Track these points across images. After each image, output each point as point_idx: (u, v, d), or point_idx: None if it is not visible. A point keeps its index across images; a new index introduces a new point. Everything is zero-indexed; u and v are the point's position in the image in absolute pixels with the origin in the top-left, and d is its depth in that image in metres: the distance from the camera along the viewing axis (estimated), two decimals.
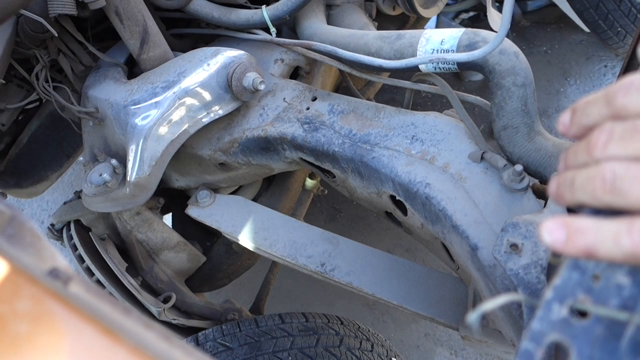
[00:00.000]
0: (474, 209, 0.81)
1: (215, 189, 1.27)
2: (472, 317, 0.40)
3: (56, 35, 0.98)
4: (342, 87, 1.46)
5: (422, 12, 1.39)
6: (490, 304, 0.39)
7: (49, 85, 1.11)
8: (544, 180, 0.84)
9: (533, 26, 2.71)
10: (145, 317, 0.30)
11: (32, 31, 0.99)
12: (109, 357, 0.28)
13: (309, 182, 1.44)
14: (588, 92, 2.41)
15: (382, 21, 1.45)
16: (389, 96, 2.34)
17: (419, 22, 1.66)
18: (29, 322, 0.28)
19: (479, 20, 2.72)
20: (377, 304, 2.04)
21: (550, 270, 0.67)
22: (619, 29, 2.11)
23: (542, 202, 0.81)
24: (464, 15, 2.77)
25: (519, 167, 0.78)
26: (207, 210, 1.21)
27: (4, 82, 1.01)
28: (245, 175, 1.22)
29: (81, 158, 1.14)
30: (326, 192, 1.51)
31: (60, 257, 0.37)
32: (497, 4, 2.66)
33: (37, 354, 0.28)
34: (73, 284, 0.33)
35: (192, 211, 1.21)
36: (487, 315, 0.90)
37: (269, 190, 1.42)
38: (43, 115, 1.53)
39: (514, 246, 0.69)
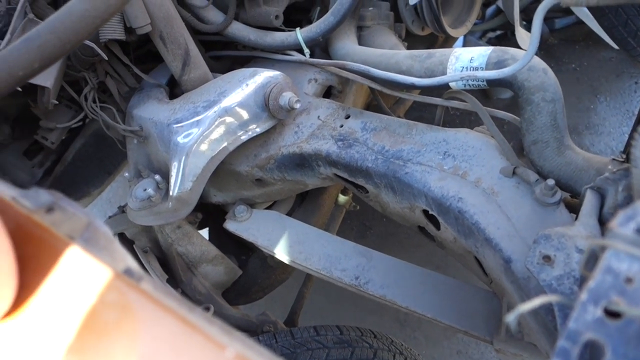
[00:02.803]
0: (506, 222, 0.83)
1: (251, 204, 1.31)
2: (510, 318, 0.43)
3: (106, 58, 1.05)
4: (373, 105, 1.50)
5: (451, 32, 1.43)
6: (528, 305, 0.41)
7: (97, 106, 1.18)
8: (575, 194, 0.86)
9: (561, 44, 2.71)
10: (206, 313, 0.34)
11: (83, 55, 1.06)
12: (184, 342, 0.32)
13: (342, 198, 1.48)
14: (618, 109, 2.40)
15: (411, 41, 1.49)
16: (418, 114, 2.37)
17: (447, 42, 1.70)
18: (116, 311, 0.32)
19: (506, 39, 2.74)
20: (408, 320, 2.05)
21: (582, 280, 0.69)
22: None
23: (574, 215, 0.82)
24: (491, 34, 2.80)
25: (551, 182, 0.80)
26: (244, 225, 1.25)
27: (57, 102, 1.07)
28: (280, 191, 1.27)
29: (126, 174, 1.20)
30: (358, 207, 1.54)
31: (130, 258, 0.41)
32: (525, 23, 2.69)
33: (124, 337, 0.31)
34: (144, 281, 0.37)
35: (230, 225, 1.26)
36: (522, 328, 0.91)
37: (303, 205, 1.46)
38: (87, 134, 1.60)
39: (546, 258, 0.71)
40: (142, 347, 0.31)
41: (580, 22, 2.35)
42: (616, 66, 2.52)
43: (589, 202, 0.77)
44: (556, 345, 0.36)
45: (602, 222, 0.75)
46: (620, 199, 0.70)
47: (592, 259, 0.65)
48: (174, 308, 0.34)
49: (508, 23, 2.58)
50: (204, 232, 1.57)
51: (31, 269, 0.35)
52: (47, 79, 0.93)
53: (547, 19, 2.67)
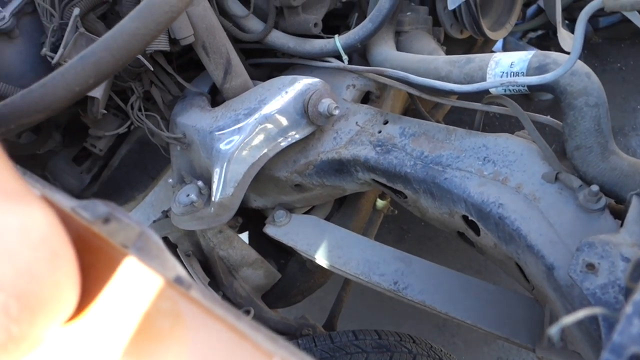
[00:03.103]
0: (549, 229, 0.82)
1: (290, 209, 1.33)
2: (553, 330, 0.43)
3: (152, 69, 1.08)
4: (411, 109, 1.49)
5: (490, 34, 1.41)
6: (571, 318, 0.41)
7: (142, 114, 1.22)
8: (620, 200, 0.84)
9: (606, 43, 2.63)
10: (253, 321, 0.35)
11: (130, 66, 1.10)
12: (233, 349, 0.33)
13: (380, 203, 1.48)
14: None
15: (450, 45, 1.48)
16: (457, 117, 2.35)
17: (487, 45, 1.68)
18: (169, 319, 0.34)
19: (547, 39, 2.68)
20: (447, 326, 2.03)
21: (628, 291, 0.67)
22: None
23: (619, 222, 0.80)
24: (532, 35, 2.74)
25: (595, 188, 0.79)
26: (283, 229, 1.27)
27: (105, 111, 1.12)
28: (319, 196, 1.28)
29: (170, 180, 1.24)
30: (396, 212, 1.54)
31: (180, 267, 0.43)
32: (567, 22, 2.63)
33: (177, 344, 0.33)
34: (193, 289, 0.39)
35: (270, 230, 1.28)
36: (566, 337, 0.90)
37: (341, 210, 1.47)
38: (132, 140, 1.66)
39: (590, 266, 0.69)
40: (194, 353, 0.32)
41: (626, 20, 2.28)
42: None
43: (635, 208, 0.75)
44: (600, 358, 0.36)
45: None
46: None
47: (638, 268, 0.64)
48: (222, 316, 0.35)
49: (549, 23, 2.52)
50: (244, 236, 1.60)
51: (91, 277, 0.37)
52: (97, 90, 0.97)
53: (591, 18, 2.58)
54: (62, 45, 0.99)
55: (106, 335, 0.36)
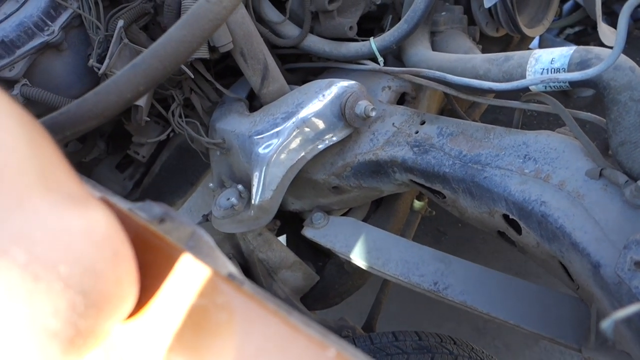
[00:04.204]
0: (594, 226, 0.81)
1: (327, 211, 1.34)
2: (605, 324, 0.43)
3: (192, 77, 1.11)
4: (447, 109, 1.49)
5: (527, 31, 1.39)
6: (624, 312, 0.41)
7: (183, 121, 1.26)
8: None
9: None
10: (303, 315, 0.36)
11: (172, 74, 1.13)
12: (289, 341, 0.34)
13: (417, 204, 1.48)
14: None
15: (486, 43, 1.47)
16: (493, 117, 2.32)
17: (523, 42, 1.66)
18: (226, 312, 0.35)
19: (585, 34, 2.62)
20: (487, 328, 2.00)
21: None
22: None
23: None
24: (569, 31, 2.69)
25: None
26: (321, 231, 1.28)
27: (148, 119, 1.16)
28: (356, 198, 1.29)
29: (210, 184, 1.27)
30: (434, 213, 1.53)
31: (231, 265, 0.44)
32: (605, 16, 2.56)
33: (235, 336, 0.35)
34: (246, 285, 0.40)
35: (308, 232, 1.29)
36: (614, 336, 0.88)
37: (378, 211, 1.47)
38: (171, 147, 1.70)
39: (638, 264, 0.68)
40: (253, 345, 0.34)
41: None
42: None
43: None
44: None
45: None
46: None
47: None
48: (275, 310, 0.36)
49: (587, 18, 2.47)
50: (282, 239, 1.62)
51: (149, 274, 0.39)
52: (141, 98, 1.00)
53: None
54: (108, 56, 1.03)
55: (166, 329, 0.37)
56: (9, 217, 0.30)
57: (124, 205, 0.45)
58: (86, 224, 0.35)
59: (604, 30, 1.24)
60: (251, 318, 0.36)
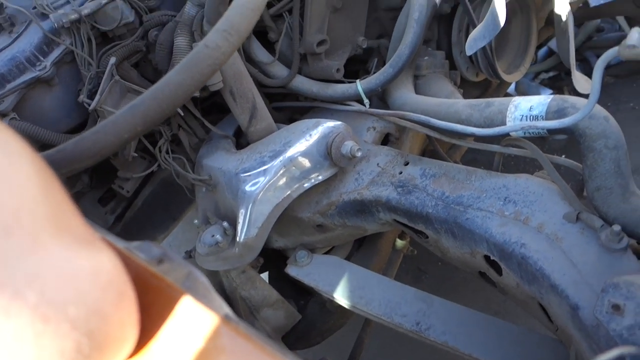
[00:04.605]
0: (572, 268, 0.83)
1: (311, 249, 1.35)
2: None
3: (182, 114, 1.13)
4: (429, 150, 1.53)
5: (505, 77, 1.45)
6: (604, 357, 0.42)
7: (169, 156, 1.27)
8: None
9: (618, 82, 2.67)
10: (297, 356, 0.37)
11: None
12: None
13: (399, 243, 1.49)
14: None
15: (466, 87, 1.52)
16: (472, 156, 2.38)
17: (502, 86, 1.72)
18: (227, 355, 0.36)
19: (559, 79, 2.73)
20: None
21: None
22: None
23: None
24: (544, 75, 2.79)
25: (617, 227, 0.80)
26: (305, 270, 1.28)
27: (135, 154, 1.16)
28: (340, 236, 1.30)
29: (195, 221, 1.27)
30: (416, 252, 1.55)
31: (226, 306, 0.45)
32: (578, 63, 2.67)
33: None
34: (241, 326, 0.41)
35: (291, 270, 1.30)
36: None
37: (360, 250, 1.49)
38: (155, 182, 1.70)
39: (615, 307, 0.70)
40: None
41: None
42: None
43: None
44: None
45: None
46: None
47: None
48: (273, 352, 0.37)
49: (561, 64, 2.57)
50: (264, 276, 1.61)
51: (149, 315, 0.39)
52: None
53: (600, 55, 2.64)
54: (99, 92, 1.04)
55: None
56: (23, 259, 0.31)
57: (121, 245, 0.46)
58: (94, 265, 0.36)
59: (578, 79, 1.30)
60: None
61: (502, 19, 1.00)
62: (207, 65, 0.65)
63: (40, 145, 1.10)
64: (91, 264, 0.35)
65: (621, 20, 2.40)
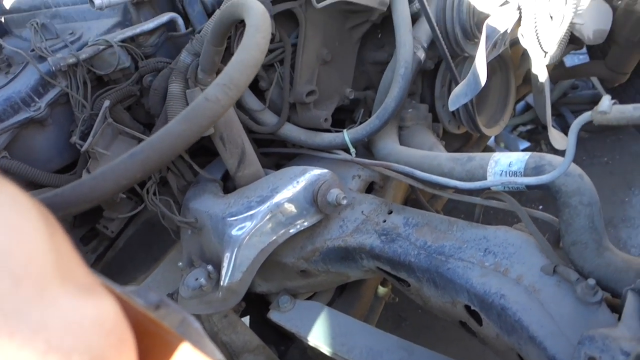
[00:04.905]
0: (549, 320, 0.86)
1: (294, 295, 1.35)
2: None
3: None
4: (411, 199, 1.56)
5: (486, 131, 1.51)
6: None
7: (157, 198, 1.28)
8: (616, 294, 0.88)
9: (592, 137, 2.77)
10: None
11: None
12: None
13: (381, 290, 1.51)
14: None
15: (448, 139, 1.58)
16: (452, 206, 2.42)
17: (482, 139, 1.78)
18: None
19: (536, 132, 2.82)
20: None
21: None
22: None
23: (616, 315, 0.84)
24: (522, 128, 2.89)
25: (592, 281, 0.83)
26: (287, 315, 1.29)
27: (123, 195, 1.17)
28: (323, 282, 1.31)
29: (180, 263, 1.27)
30: (397, 299, 1.56)
31: (218, 352, 0.47)
32: (555, 117, 2.77)
33: None
34: None
35: (274, 315, 1.30)
36: None
37: (342, 296, 1.49)
38: (139, 222, 1.70)
39: (591, 359, 0.73)
40: None
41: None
42: None
43: (631, 304, 0.80)
44: None
45: None
46: None
47: None
48: None
49: (538, 118, 2.67)
50: (245, 320, 1.60)
51: None
52: None
53: (575, 112, 2.75)
54: (91, 134, 1.06)
55: None
56: (31, 308, 0.32)
57: (120, 290, 0.47)
58: (97, 313, 0.37)
59: (554, 135, 1.37)
60: None
61: (483, 79, 1.06)
62: (207, 117, 0.68)
63: (29, 184, 1.11)
64: (94, 312, 0.37)
65: (594, 78, 2.52)
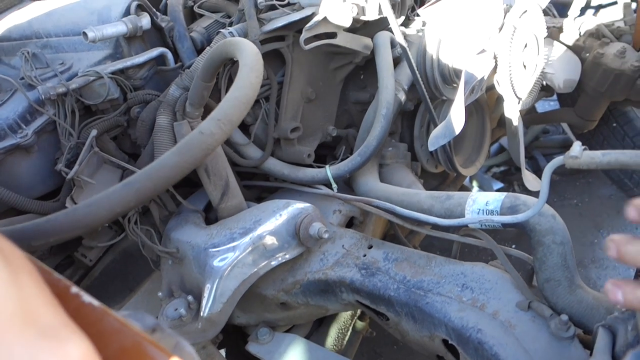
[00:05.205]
0: (524, 355, 0.89)
1: (272, 327, 1.35)
2: None
3: None
4: (390, 234, 1.59)
5: (462, 170, 1.57)
6: None
7: (138, 227, 1.28)
8: (588, 331, 0.92)
9: (562, 180, 2.87)
10: None
11: None
12: None
13: (359, 324, 1.52)
14: None
15: (426, 177, 1.63)
16: (429, 242, 2.46)
17: (458, 178, 1.84)
18: None
19: (510, 173, 2.91)
20: None
21: None
22: None
23: (588, 351, 0.88)
24: (496, 169, 2.98)
25: (564, 317, 0.87)
26: (266, 347, 1.29)
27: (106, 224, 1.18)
28: (302, 315, 1.32)
29: (160, 293, 1.27)
30: (374, 334, 1.57)
31: None
32: (527, 159, 2.86)
33: None
34: None
35: (252, 347, 1.29)
36: None
37: (320, 329, 1.50)
38: (116, 251, 1.69)
39: None
40: None
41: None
42: (616, 203, 2.65)
43: (602, 339, 0.83)
44: None
45: (615, 359, 0.81)
46: (630, 338, 0.76)
47: None
48: None
49: (511, 160, 2.77)
50: (222, 353, 1.59)
51: None
52: None
53: (547, 155, 2.86)
54: (77, 162, 1.07)
55: None
56: None
57: (117, 314, 0.48)
58: (58, 358, 0.35)
59: (528, 177, 1.43)
60: None
61: (461, 122, 1.11)
62: (201, 150, 0.71)
63: (10, 209, 1.11)
64: (55, 358, 0.35)
65: (564, 124, 2.64)
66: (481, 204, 1.01)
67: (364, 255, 1.20)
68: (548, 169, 0.78)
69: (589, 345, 0.89)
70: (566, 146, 2.64)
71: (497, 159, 2.89)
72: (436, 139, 1.16)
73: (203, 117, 1.20)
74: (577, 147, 0.73)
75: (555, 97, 2.20)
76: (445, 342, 1.07)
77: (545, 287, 0.94)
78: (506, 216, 0.93)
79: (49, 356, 0.35)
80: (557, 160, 0.76)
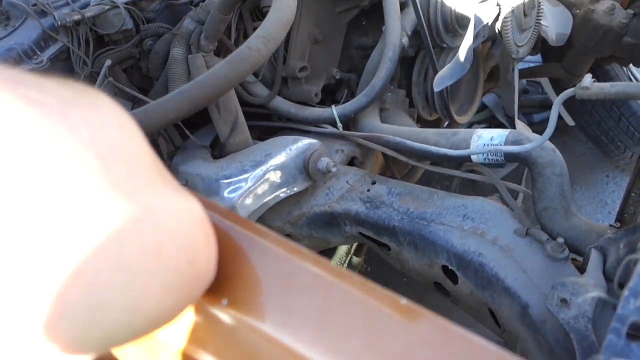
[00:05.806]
0: (522, 274, 0.97)
1: None
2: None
3: None
4: (387, 175, 1.66)
5: (457, 118, 1.63)
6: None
7: None
8: (580, 254, 1.01)
9: None
10: None
11: None
12: None
13: (354, 259, 1.60)
14: (592, 199, 2.63)
15: (420, 125, 1.69)
16: (425, 182, 2.55)
17: (451, 127, 1.91)
18: None
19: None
20: None
21: (595, 320, 0.82)
22: (619, 144, 2.37)
23: (579, 273, 0.97)
24: (477, 126, 3.08)
25: (560, 240, 0.95)
26: None
27: None
28: (304, 247, 1.38)
29: None
30: (369, 269, 1.66)
31: None
32: (507, 117, 2.95)
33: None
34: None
35: None
36: None
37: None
38: None
39: (563, 301, 0.84)
40: None
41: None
42: (589, 160, 2.78)
43: (594, 259, 0.92)
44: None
45: (606, 276, 0.90)
46: (622, 254, 0.85)
47: (600, 304, 0.80)
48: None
49: (492, 117, 2.86)
50: None
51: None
52: None
53: (527, 114, 2.96)
54: None
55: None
56: (141, 193, 0.37)
57: None
58: (189, 207, 0.42)
59: (520, 127, 1.50)
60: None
61: (468, 63, 1.16)
62: (249, 63, 0.74)
63: None
64: (187, 207, 0.42)
65: (545, 84, 2.73)
66: (486, 139, 1.07)
67: (368, 190, 1.26)
68: (558, 100, 0.84)
69: (580, 269, 0.98)
70: (545, 105, 2.74)
71: (478, 116, 2.97)
72: (442, 79, 1.22)
73: (216, 53, 1.23)
74: (587, 79, 0.79)
75: (538, 57, 2.28)
76: (444, 268, 1.15)
77: (542, 215, 1.02)
78: (512, 146, 1.00)
79: (184, 204, 0.41)
80: (568, 92, 0.82)
